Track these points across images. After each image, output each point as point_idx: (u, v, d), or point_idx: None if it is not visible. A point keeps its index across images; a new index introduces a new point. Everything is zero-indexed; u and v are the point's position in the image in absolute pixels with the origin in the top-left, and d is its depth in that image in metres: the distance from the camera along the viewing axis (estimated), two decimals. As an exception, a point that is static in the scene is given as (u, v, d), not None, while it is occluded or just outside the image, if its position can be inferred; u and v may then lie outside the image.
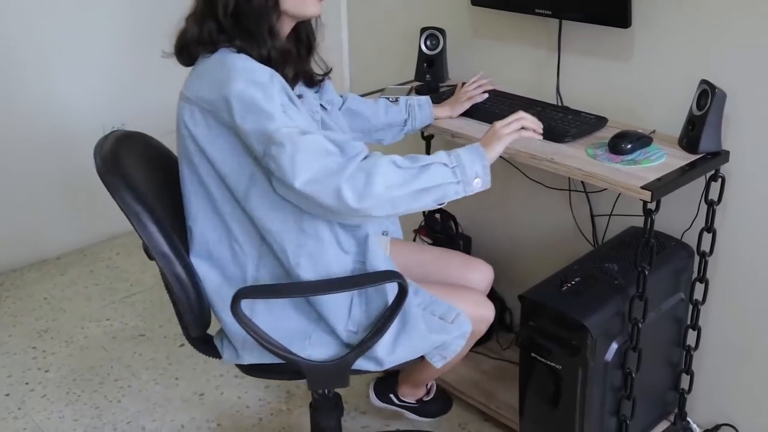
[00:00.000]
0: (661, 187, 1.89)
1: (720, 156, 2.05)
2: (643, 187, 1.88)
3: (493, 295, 2.77)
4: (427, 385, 2.44)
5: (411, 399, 2.45)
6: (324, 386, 2.00)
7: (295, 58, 1.89)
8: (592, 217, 2.48)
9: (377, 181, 1.63)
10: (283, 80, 1.76)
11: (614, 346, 2.05)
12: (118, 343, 3.00)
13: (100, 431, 2.55)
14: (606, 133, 2.17)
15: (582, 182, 2.41)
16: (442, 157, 1.72)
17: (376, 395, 2.48)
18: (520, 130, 1.87)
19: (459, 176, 1.73)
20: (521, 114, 1.89)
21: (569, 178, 2.43)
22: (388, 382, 2.47)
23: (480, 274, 2.23)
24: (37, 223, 3.50)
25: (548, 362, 2.10)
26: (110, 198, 1.67)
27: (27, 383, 2.78)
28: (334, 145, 1.68)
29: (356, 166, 1.64)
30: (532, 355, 2.14)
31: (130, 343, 2.99)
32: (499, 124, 1.86)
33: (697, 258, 2.18)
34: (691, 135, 2.04)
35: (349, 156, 1.67)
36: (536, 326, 2.12)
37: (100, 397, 2.71)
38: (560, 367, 2.08)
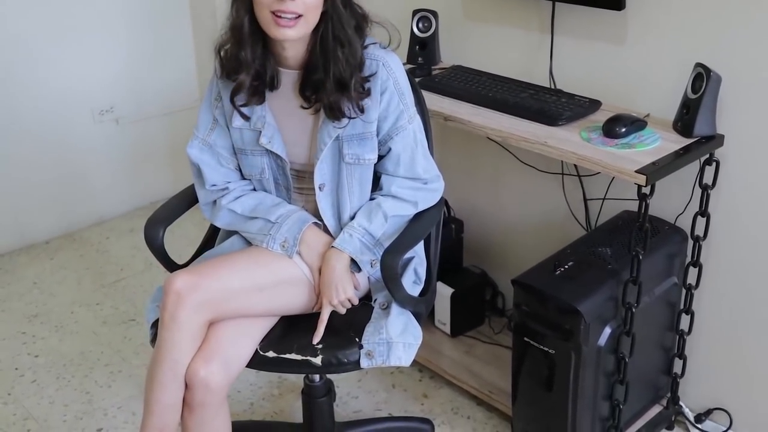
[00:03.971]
0: (655, 171, 1.88)
1: (715, 140, 2.03)
2: (637, 171, 1.88)
3: (485, 279, 2.78)
4: None
5: None
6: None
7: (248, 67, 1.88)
8: (585, 201, 2.46)
9: (219, 219, 2.04)
10: (218, 86, 1.97)
11: (607, 330, 2.05)
12: (109, 327, 2.98)
13: (91, 416, 2.54)
14: (600, 117, 2.16)
15: (575, 166, 2.40)
16: (272, 215, 1.97)
17: None
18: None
19: (272, 233, 1.95)
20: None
21: (562, 161, 2.43)
22: None
23: None
24: (26, 207, 3.47)
25: (541, 347, 2.09)
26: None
27: (17, 369, 2.76)
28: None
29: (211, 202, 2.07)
30: (525, 339, 2.13)
31: (120, 328, 2.97)
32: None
33: (690, 242, 2.18)
34: (685, 119, 2.03)
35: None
36: (529, 311, 2.11)
37: (91, 382, 2.69)
38: (553, 351, 2.07)
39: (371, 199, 2.00)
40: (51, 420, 2.52)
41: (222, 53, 1.92)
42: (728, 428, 2.32)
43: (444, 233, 2.30)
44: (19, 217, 3.47)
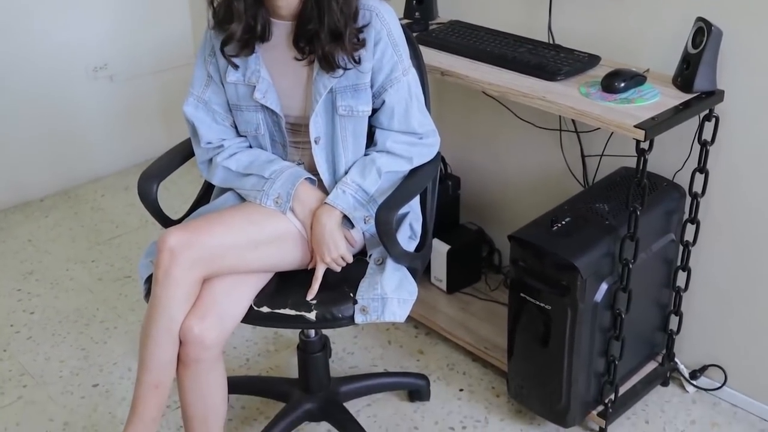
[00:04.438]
0: (654, 126, 1.87)
1: (715, 95, 2.01)
2: (636, 126, 1.86)
3: (481, 236, 2.78)
4: None
5: None
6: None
7: (240, 16, 1.85)
8: (583, 157, 2.45)
9: (215, 177, 2.03)
10: (212, 40, 1.95)
11: (604, 286, 2.05)
12: (104, 284, 2.98)
13: (87, 372, 2.54)
14: (599, 72, 2.13)
15: (573, 122, 2.38)
16: (265, 171, 1.95)
17: None
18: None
19: (266, 189, 1.93)
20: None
21: (560, 117, 2.41)
22: None
23: None
24: (20, 165, 3.45)
25: (537, 302, 2.09)
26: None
27: (12, 325, 2.76)
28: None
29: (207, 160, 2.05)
30: (522, 295, 2.13)
31: (115, 285, 2.97)
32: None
33: (688, 199, 2.17)
34: (685, 74, 2.01)
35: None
36: (526, 266, 2.10)
37: (86, 338, 2.69)
38: (549, 307, 2.07)
39: (366, 154, 1.98)
40: (47, 376, 2.53)
41: (215, 4, 1.89)
42: (722, 384, 2.33)
43: (440, 190, 2.29)
44: (13, 175, 3.45)
